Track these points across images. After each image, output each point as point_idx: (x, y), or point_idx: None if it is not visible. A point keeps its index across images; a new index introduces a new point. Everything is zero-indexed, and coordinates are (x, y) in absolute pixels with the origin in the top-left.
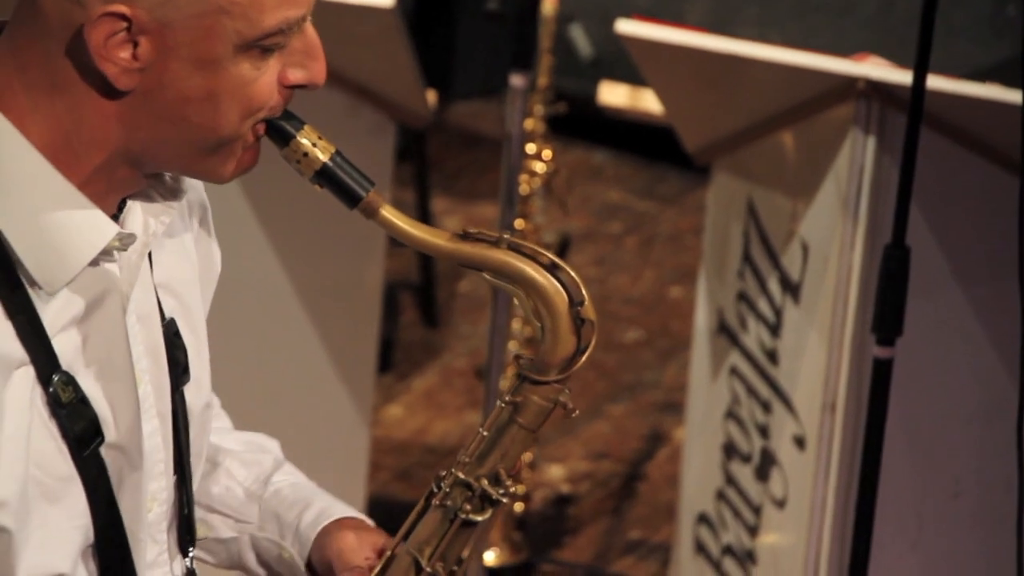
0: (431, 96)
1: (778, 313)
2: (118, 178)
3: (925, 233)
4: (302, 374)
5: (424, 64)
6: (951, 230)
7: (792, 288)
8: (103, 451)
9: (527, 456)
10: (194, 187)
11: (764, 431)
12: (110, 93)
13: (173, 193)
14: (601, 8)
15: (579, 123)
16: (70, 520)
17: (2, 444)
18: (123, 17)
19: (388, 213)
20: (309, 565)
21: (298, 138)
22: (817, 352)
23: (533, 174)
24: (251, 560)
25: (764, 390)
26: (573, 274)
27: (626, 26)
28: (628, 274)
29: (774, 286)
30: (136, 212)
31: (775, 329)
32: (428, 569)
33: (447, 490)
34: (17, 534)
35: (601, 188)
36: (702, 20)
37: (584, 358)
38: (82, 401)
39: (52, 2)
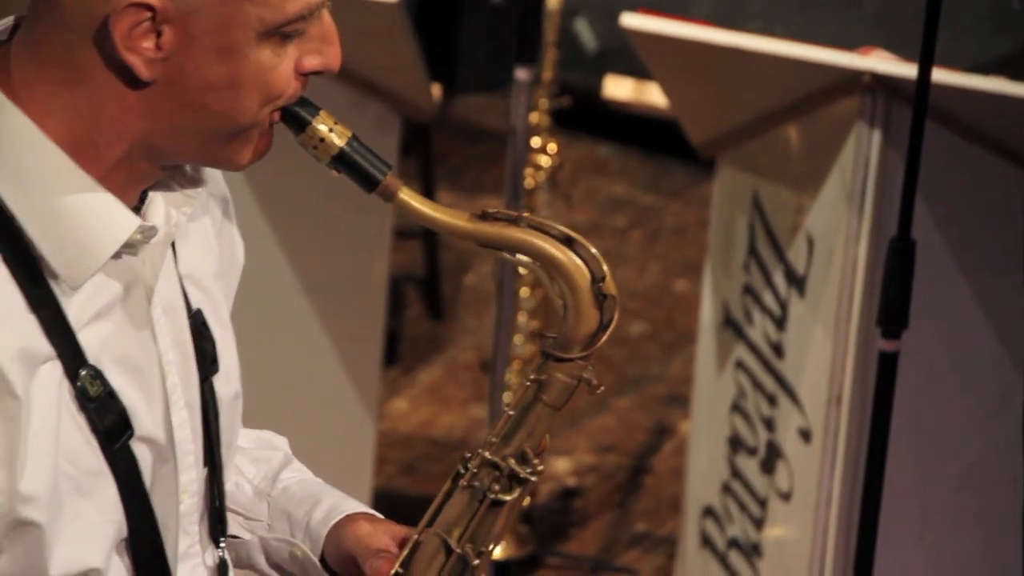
0: (436, 90)
1: (783, 306)
2: (138, 171)
3: (930, 226)
4: (308, 368)
5: (429, 58)
6: (956, 223)
7: (797, 281)
8: (133, 444)
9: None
10: (215, 180)
11: (770, 424)
12: (132, 84)
13: (193, 183)
14: (606, 2)
15: (584, 117)
16: (102, 514)
17: (30, 439)
18: (148, 7)
19: (406, 196)
20: (323, 561)
21: (314, 124)
22: (823, 345)
23: (538, 168)
24: (261, 562)
25: (770, 383)
26: (593, 250)
27: (631, 20)
28: (633, 267)
29: (779, 279)
30: (158, 204)
31: (780, 322)
32: (458, 550)
33: (474, 471)
34: (48, 529)
35: (606, 182)
36: (707, 13)
37: (607, 334)
38: (110, 395)
39: None
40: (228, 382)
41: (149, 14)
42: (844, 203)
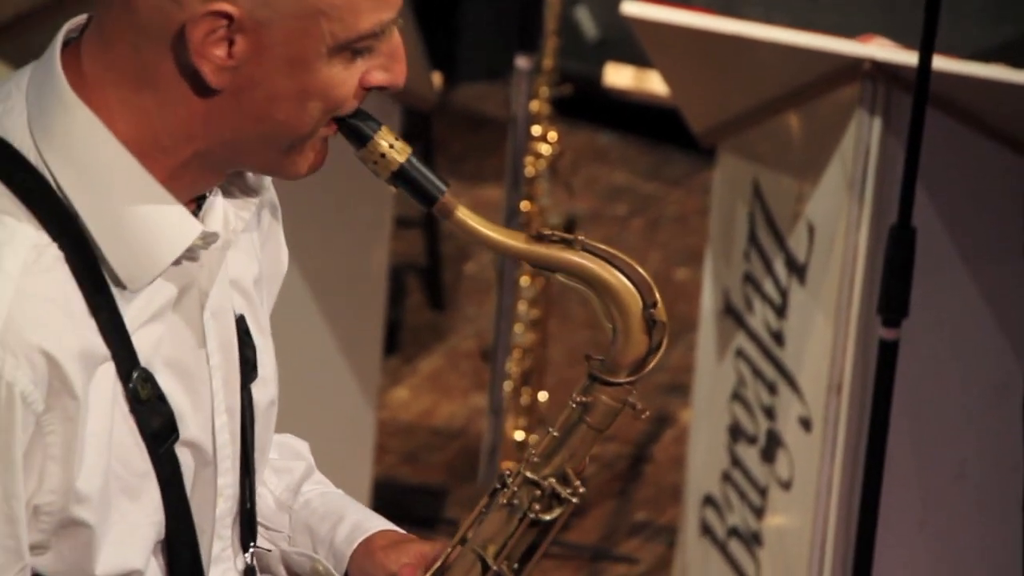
0: (436, 78)
1: (784, 294)
2: (199, 177)
3: (931, 214)
4: (308, 357)
5: (429, 46)
6: (957, 211)
7: (798, 269)
8: (177, 448)
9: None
10: (265, 186)
11: (770, 413)
12: (200, 91)
13: (253, 190)
14: None
15: (584, 105)
16: (146, 516)
17: (86, 439)
18: (225, 15)
19: (463, 215)
20: None
21: (376, 139)
22: (823, 333)
23: (538, 156)
24: (281, 574)
25: (770, 372)
26: (646, 275)
27: (632, 7)
28: (634, 256)
29: (780, 267)
30: (216, 208)
31: (781, 310)
32: (495, 568)
33: (514, 489)
34: (97, 529)
35: (607, 170)
36: (708, 1)
37: (656, 359)
38: (159, 398)
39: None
40: (265, 389)
41: (225, 22)
42: (845, 191)
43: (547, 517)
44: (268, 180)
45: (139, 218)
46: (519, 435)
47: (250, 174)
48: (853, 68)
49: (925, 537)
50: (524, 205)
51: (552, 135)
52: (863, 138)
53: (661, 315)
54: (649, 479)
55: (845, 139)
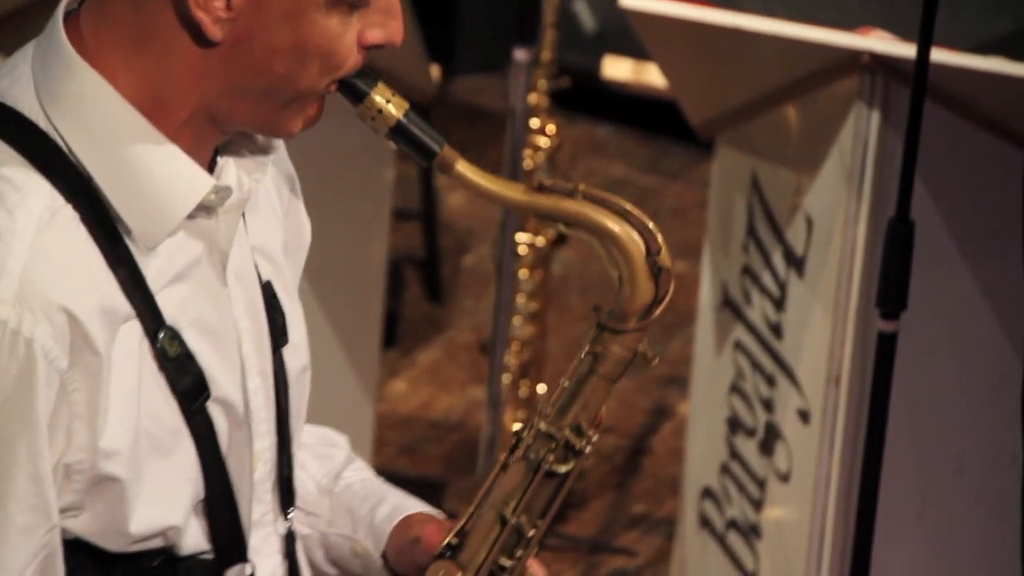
0: (434, 71)
1: (782, 287)
2: (204, 134)
3: (929, 207)
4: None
5: (427, 39)
6: (955, 203)
7: (796, 262)
8: (209, 406)
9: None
10: (281, 159)
11: (768, 405)
12: (200, 43)
13: (264, 150)
14: None
15: (583, 97)
16: (180, 473)
17: (112, 396)
18: None
19: (463, 168)
20: (384, 559)
21: (372, 95)
22: (821, 326)
23: (537, 149)
24: (319, 557)
25: (768, 364)
26: (649, 223)
27: (630, 0)
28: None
29: (778, 260)
30: (229, 170)
31: (779, 303)
32: (513, 521)
33: (529, 442)
34: (130, 485)
35: (605, 163)
36: None
37: (662, 307)
38: (188, 356)
39: None
40: (297, 354)
41: None
42: (843, 184)
43: (562, 469)
44: (284, 154)
45: (150, 174)
46: (517, 427)
47: (260, 137)
48: (852, 61)
49: (924, 529)
50: None
51: (550, 128)
52: (861, 131)
53: (665, 261)
54: (647, 471)
55: (844, 132)
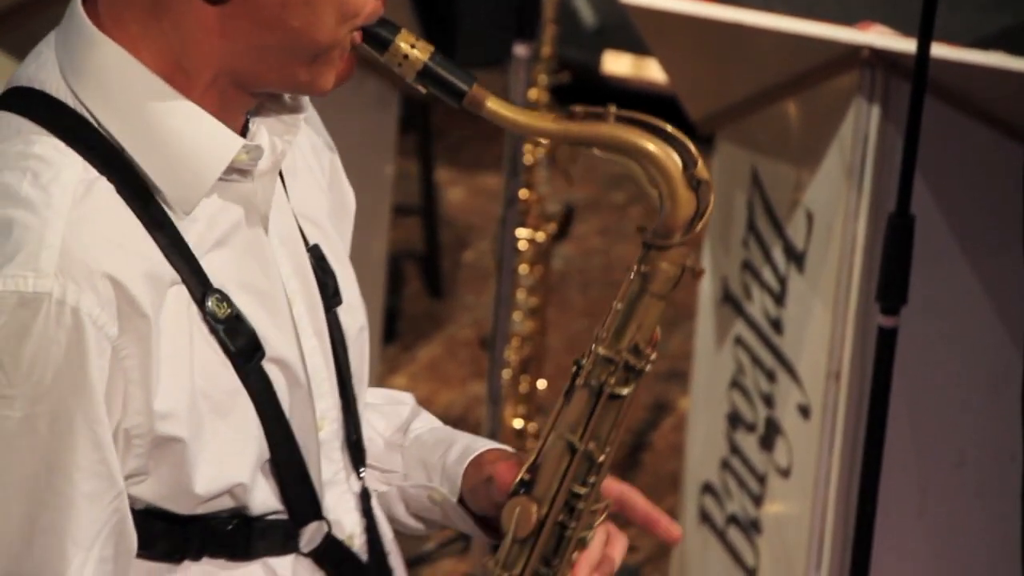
0: None
1: (782, 282)
2: (229, 98)
3: (929, 202)
4: None
5: (427, 34)
6: (955, 199)
7: (796, 257)
8: (266, 366)
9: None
10: (319, 131)
11: (768, 400)
12: (211, 1)
13: (294, 110)
14: None
15: (583, 92)
16: (241, 432)
17: (163, 360)
18: None
19: (494, 104)
20: (461, 501)
21: (396, 42)
22: (821, 321)
23: (537, 144)
24: (401, 511)
25: (768, 359)
26: (684, 139)
27: None
28: (632, 244)
29: (778, 255)
30: (262, 134)
31: (779, 298)
32: (582, 448)
33: (589, 368)
34: (191, 444)
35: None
36: None
37: (705, 220)
38: (238, 317)
39: None
40: (353, 315)
41: None
42: (843, 179)
43: (624, 391)
44: (320, 125)
45: (179, 138)
46: (518, 423)
47: (288, 96)
48: (851, 56)
49: (924, 525)
50: (523, 193)
51: None
52: (861, 126)
53: (703, 173)
54: (648, 467)
55: (844, 127)
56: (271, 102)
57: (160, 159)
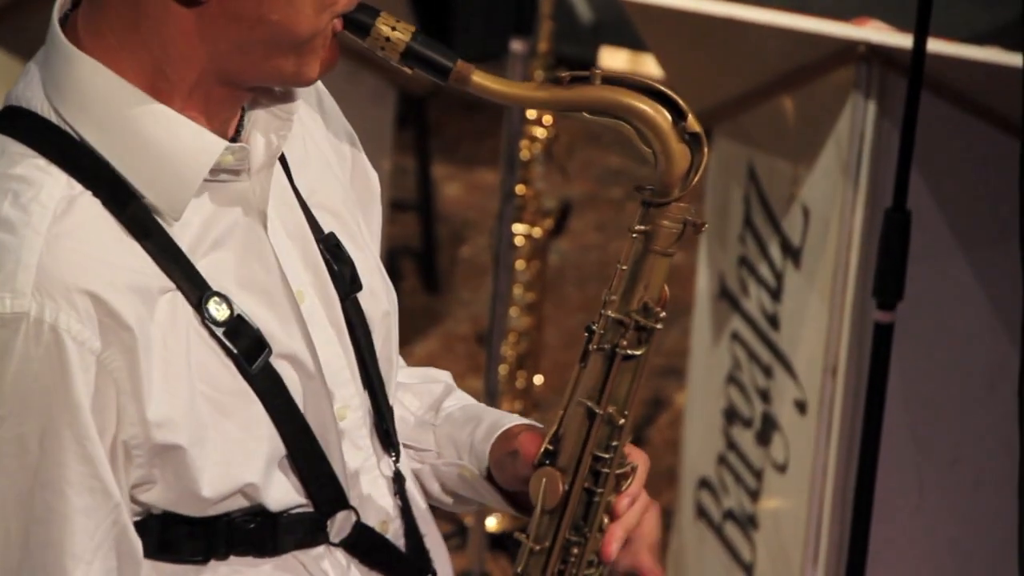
0: None
1: (779, 277)
2: (215, 98)
3: (926, 197)
4: None
5: (424, 30)
6: (952, 194)
7: (793, 252)
8: (275, 362)
9: None
10: (337, 119)
11: (765, 395)
12: (188, 3)
13: (285, 100)
14: None
15: None
16: (250, 432)
17: (154, 368)
18: None
19: (480, 78)
20: (490, 477)
21: (377, 25)
22: (818, 316)
23: (534, 139)
24: (436, 489)
25: (765, 354)
26: (672, 93)
27: None
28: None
29: (775, 251)
30: (257, 129)
31: (776, 294)
32: (601, 412)
33: (602, 332)
34: (192, 449)
35: (602, 153)
36: None
37: (700, 173)
38: (240, 318)
39: None
40: (375, 300)
41: None
42: (839, 174)
43: (639, 351)
44: (337, 112)
45: (158, 145)
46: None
47: (277, 89)
48: (848, 51)
49: (920, 520)
50: (519, 189)
51: (547, 118)
52: (858, 121)
53: (694, 126)
54: None
55: (840, 122)
56: (263, 96)
57: (143, 168)
